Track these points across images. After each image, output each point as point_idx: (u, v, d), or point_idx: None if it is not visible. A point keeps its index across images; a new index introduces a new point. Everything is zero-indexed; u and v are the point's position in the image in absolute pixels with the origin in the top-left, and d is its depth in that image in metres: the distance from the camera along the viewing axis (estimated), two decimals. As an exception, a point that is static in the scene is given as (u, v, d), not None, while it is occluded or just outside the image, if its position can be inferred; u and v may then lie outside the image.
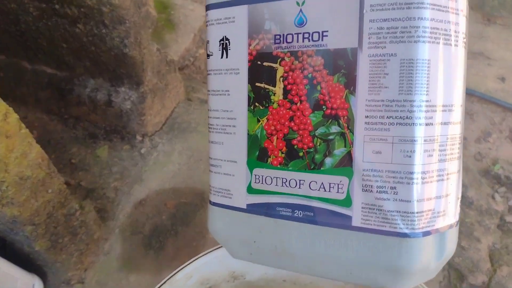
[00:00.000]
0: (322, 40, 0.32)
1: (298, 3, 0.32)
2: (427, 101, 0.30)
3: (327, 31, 0.32)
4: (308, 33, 0.32)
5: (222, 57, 0.35)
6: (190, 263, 0.38)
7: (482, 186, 1.04)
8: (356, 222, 0.32)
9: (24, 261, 0.68)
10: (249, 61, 0.34)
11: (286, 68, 0.33)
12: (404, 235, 0.30)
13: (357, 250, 0.32)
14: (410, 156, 0.30)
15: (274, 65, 0.34)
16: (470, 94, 1.18)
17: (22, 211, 0.56)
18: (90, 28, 0.76)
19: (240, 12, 0.34)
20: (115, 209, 0.85)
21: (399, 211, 0.30)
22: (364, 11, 0.30)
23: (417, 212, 0.30)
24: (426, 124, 0.30)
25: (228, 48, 0.35)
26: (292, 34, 0.33)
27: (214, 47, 0.36)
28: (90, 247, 0.77)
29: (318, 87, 0.32)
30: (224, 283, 0.43)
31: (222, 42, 0.35)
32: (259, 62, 0.34)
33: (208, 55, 0.36)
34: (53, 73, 0.91)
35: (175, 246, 0.80)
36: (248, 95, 0.34)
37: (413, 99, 0.30)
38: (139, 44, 0.77)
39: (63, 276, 0.73)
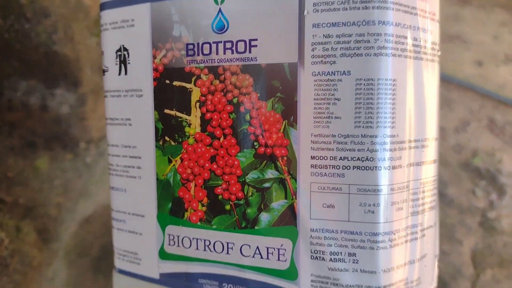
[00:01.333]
0: (249, 52, 0.23)
1: (216, 1, 0.23)
2: (392, 136, 0.21)
3: (256, 40, 0.22)
4: (231, 41, 0.23)
5: (120, 74, 0.26)
6: None
7: (462, 181, 0.98)
8: (304, 300, 0.23)
9: None
10: (154, 80, 0.25)
11: (204, 89, 0.24)
12: (369, 320, 0.22)
13: None
14: (373, 212, 0.22)
15: (187, 85, 0.24)
16: (448, 81, 1.11)
17: None
18: (10, 23, 0.64)
19: (141, 13, 0.24)
20: (58, 229, 0.75)
21: (361, 286, 0.22)
22: (305, 12, 0.21)
23: (384, 286, 0.22)
24: (393, 167, 0.22)
25: (127, 62, 0.25)
26: (209, 43, 0.23)
27: (110, 60, 0.26)
28: (29, 276, 0.67)
29: (247, 117, 0.23)
30: None
31: (120, 53, 0.26)
32: (167, 81, 0.25)
33: (103, 71, 0.27)
34: (-21, 75, 0.79)
35: (127, 269, 0.71)
36: (156, 125, 0.25)
37: (374, 133, 0.21)
38: (71, 40, 0.66)
39: (-4, 313, 0.64)
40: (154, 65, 0.24)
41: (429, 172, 0.24)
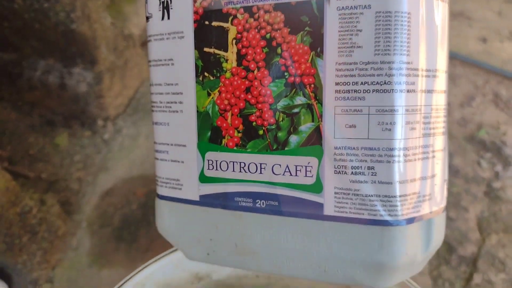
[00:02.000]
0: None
1: None
2: (408, 63, 0.24)
3: None
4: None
5: (163, 19, 0.29)
6: (140, 270, 0.32)
7: (468, 153, 1.00)
8: (328, 210, 0.26)
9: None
10: (195, 22, 0.28)
11: (239, 27, 0.27)
12: (386, 224, 0.25)
13: (330, 244, 0.27)
14: (390, 130, 0.25)
15: (225, 24, 0.27)
16: (452, 57, 1.13)
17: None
18: (30, 2, 0.67)
19: None
20: (80, 202, 0.79)
21: (379, 195, 0.25)
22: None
23: (399, 196, 0.25)
24: (408, 91, 0.25)
25: (170, 7, 0.28)
26: None
27: (153, 7, 0.29)
28: (55, 244, 0.71)
29: (279, 50, 0.26)
30: (188, 285, 0.38)
31: (163, 0, 0.29)
32: (207, 22, 0.28)
33: (147, 18, 0.30)
34: (-1, 56, 0.82)
35: (148, 237, 0.74)
36: (196, 63, 0.28)
37: (392, 60, 0.24)
38: (88, 18, 0.69)
39: (29, 277, 0.68)
40: (194, 8, 0.27)
41: (440, 101, 0.27)
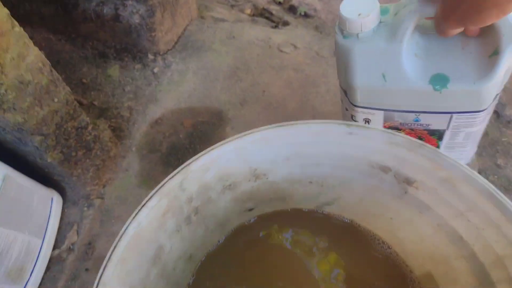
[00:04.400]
0: (427, 126, 0.45)
1: (416, 116, 0.45)
2: None
3: (430, 124, 0.45)
4: (421, 124, 0.45)
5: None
6: (206, 153, 0.33)
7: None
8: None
9: (41, 176, 0.66)
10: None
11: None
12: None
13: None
14: None
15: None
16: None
17: (27, 119, 0.52)
18: None
19: (379, 113, 0.46)
20: (130, 128, 0.82)
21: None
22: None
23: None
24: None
25: (369, 122, 0.48)
26: (410, 123, 0.46)
27: (360, 120, 0.47)
28: (106, 164, 0.75)
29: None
30: (245, 182, 0.39)
31: (365, 119, 0.46)
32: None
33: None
34: (56, -13, 0.84)
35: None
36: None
37: None
38: None
39: (82, 191, 0.72)
40: (384, 125, 0.45)
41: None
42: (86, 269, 0.69)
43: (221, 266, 0.50)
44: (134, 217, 0.31)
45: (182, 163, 0.76)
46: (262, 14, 1.10)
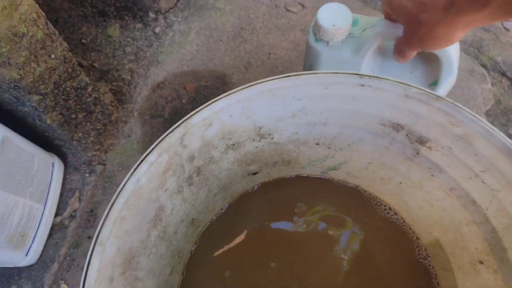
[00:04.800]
0: None
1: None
2: None
3: None
4: None
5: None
6: (208, 105, 0.31)
7: None
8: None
9: (41, 141, 0.65)
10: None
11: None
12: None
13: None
14: None
15: None
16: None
17: (24, 75, 0.50)
18: None
19: None
20: (132, 92, 0.80)
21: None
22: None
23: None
24: None
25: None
26: None
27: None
28: (108, 128, 0.73)
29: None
30: (248, 142, 0.37)
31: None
32: None
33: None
34: None
35: (197, 129, 0.75)
36: None
37: None
38: None
39: (83, 157, 0.71)
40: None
41: None
42: (89, 237, 0.69)
43: (225, 235, 0.49)
44: (132, 173, 0.30)
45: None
46: (269, -28, 1.05)
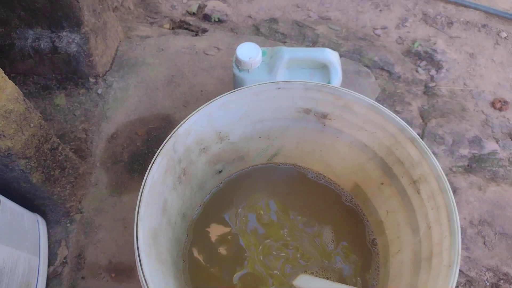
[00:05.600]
0: None
1: None
2: None
3: None
4: None
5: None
6: (187, 120, 0.46)
7: (406, 63, 1.20)
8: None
9: (22, 203, 0.73)
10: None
11: None
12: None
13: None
14: None
15: None
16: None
17: (14, 143, 0.61)
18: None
19: None
20: (90, 147, 0.91)
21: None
22: None
23: None
24: None
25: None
26: None
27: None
28: (78, 181, 0.83)
29: None
30: (213, 145, 0.53)
31: None
32: None
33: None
34: (-13, 32, 0.90)
35: (156, 164, 0.88)
36: None
37: None
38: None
39: (62, 209, 0.80)
40: None
41: None
42: (82, 277, 0.77)
43: (206, 227, 0.62)
44: (149, 171, 0.43)
45: (145, 166, 0.88)
46: (181, 26, 1.24)
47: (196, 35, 1.18)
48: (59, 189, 0.76)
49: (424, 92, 1.13)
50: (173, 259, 0.49)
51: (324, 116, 0.53)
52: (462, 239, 0.93)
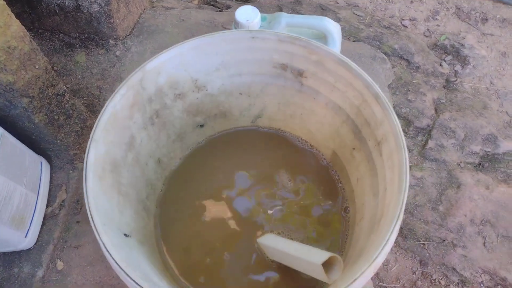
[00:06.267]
0: None
1: None
2: None
3: None
4: None
5: None
6: (156, 57, 0.48)
7: (430, 55, 1.15)
8: None
9: (29, 144, 0.78)
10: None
11: None
12: None
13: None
14: None
15: None
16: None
17: (16, 79, 0.65)
18: None
19: None
20: (102, 104, 0.95)
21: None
22: None
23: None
24: None
25: None
26: None
27: None
28: (84, 132, 0.88)
29: None
30: (190, 93, 0.54)
31: None
32: None
33: None
34: (20, -12, 0.97)
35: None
36: None
37: None
38: None
39: (66, 156, 0.84)
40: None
41: None
42: (77, 222, 0.82)
43: (185, 181, 0.64)
44: (111, 100, 0.45)
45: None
46: (208, 2, 1.27)
47: (221, 11, 1.20)
48: (62, 134, 0.81)
49: (444, 86, 1.08)
50: (139, 198, 0.51)
51: (300, 73, 0.53)
52: (460, 236, 0.88)
